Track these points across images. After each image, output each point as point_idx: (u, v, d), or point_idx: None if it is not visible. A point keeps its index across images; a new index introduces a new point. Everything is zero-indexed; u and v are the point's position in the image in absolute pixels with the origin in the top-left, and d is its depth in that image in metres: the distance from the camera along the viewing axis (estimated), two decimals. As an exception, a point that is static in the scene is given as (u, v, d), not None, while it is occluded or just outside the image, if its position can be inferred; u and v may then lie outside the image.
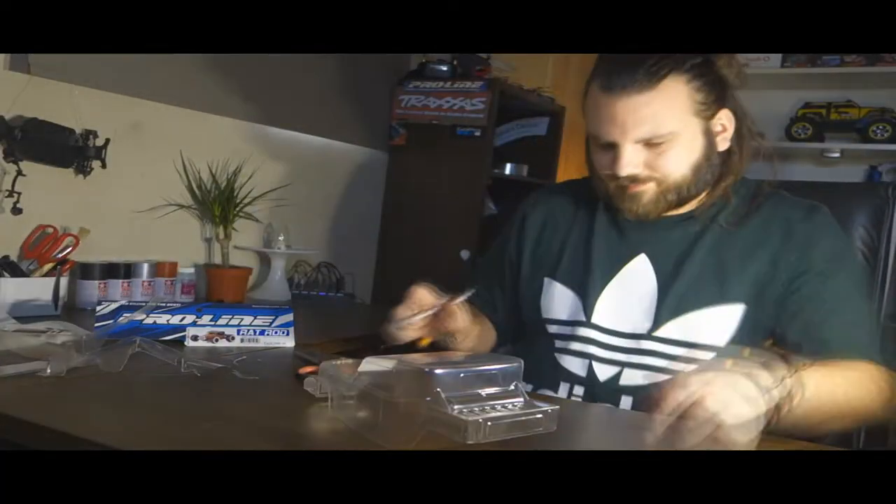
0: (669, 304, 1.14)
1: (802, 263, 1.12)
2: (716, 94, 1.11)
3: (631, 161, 1.10)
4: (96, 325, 1.28)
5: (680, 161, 1.11)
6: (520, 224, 1.34)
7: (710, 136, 1.13)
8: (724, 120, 1.14)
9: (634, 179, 1.12)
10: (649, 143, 1.10)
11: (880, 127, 2.98)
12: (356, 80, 2.57)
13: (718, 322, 1.12)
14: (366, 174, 2.68)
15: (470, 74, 2.60)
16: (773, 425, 0.87)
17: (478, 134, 2.54)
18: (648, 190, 1.13)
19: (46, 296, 1.57)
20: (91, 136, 1.75)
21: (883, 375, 1.06)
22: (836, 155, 3.14)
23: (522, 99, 2.76)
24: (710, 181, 1.15)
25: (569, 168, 3.00)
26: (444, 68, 2.62)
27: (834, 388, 0.98)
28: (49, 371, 1.02)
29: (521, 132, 2.99)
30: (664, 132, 1.08)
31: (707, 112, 1.11)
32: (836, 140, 3.15)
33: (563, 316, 1.22)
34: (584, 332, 1.18)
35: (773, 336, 1.13)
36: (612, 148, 1.12)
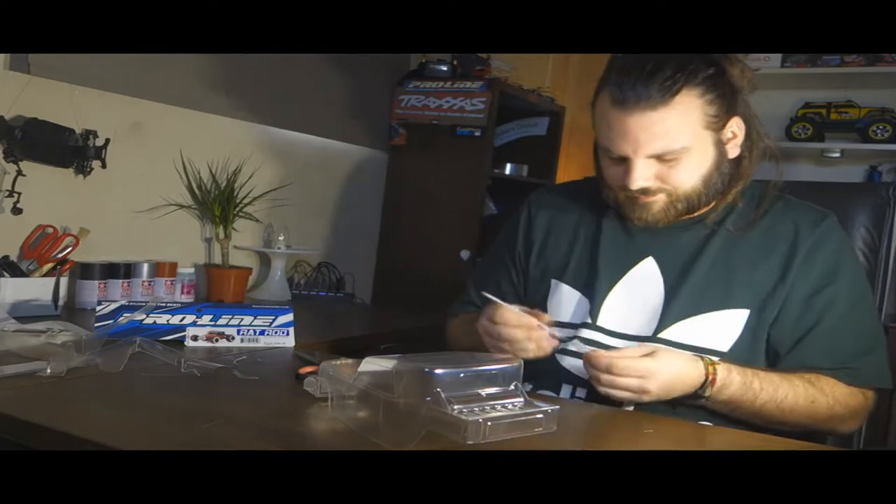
0: (676, 307, 1.14)
1: (809, 275, 1.12)
2: (727, 105, 1.10)
3: (643, 175, 1.10)
4: (96, 325, 1.28)
5: (691, 173, 1.11)
6: (525, 226, 1.33)
7: (720, 146, 1.12)
8: (735, 127, 1.13)
9: (645, 192, 1.12)
10: (661, 158, 1.09)
11: (880, 127, 2.98)
12: (356, 80, 2.57)
13: (723, 326, 1.12)
14: (366, 174, 2.68)
15: (470, 74, 2.59)
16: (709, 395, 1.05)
17: (478, 134, 2.54)
18: (659, 201, 1.13)
19: (46, 296, 1.57)
20: (91, 136, 1.75)
21: (843, 394, 1.10)
22: (837, 155, 3.13)
23: (522, 99, 2.76)
24: (722, 189, 1.15)
25: (569, 168, 3.00)
26: (444, 68, 2.62)
27: (773, 390, 1.07)
28: (49, 371, 1.02)
29: (521, 132, 2.99)
30: (677, 147, 1.08)
31: (719, 124, 1.10)
32: (836, 140, 3.14)
33: (570, 318, 1.21)
34: (588, 334, 1.18)
35: (772, 343, 1.13)
36: (624, 161, 1.11)
